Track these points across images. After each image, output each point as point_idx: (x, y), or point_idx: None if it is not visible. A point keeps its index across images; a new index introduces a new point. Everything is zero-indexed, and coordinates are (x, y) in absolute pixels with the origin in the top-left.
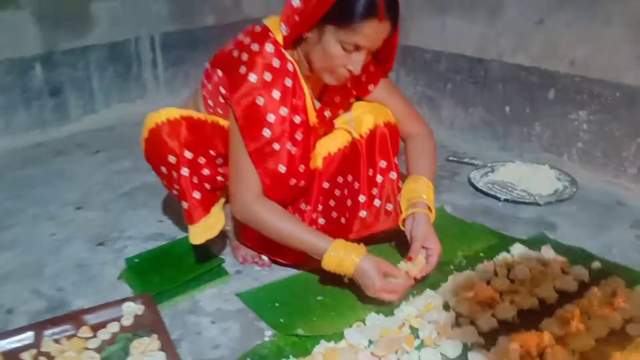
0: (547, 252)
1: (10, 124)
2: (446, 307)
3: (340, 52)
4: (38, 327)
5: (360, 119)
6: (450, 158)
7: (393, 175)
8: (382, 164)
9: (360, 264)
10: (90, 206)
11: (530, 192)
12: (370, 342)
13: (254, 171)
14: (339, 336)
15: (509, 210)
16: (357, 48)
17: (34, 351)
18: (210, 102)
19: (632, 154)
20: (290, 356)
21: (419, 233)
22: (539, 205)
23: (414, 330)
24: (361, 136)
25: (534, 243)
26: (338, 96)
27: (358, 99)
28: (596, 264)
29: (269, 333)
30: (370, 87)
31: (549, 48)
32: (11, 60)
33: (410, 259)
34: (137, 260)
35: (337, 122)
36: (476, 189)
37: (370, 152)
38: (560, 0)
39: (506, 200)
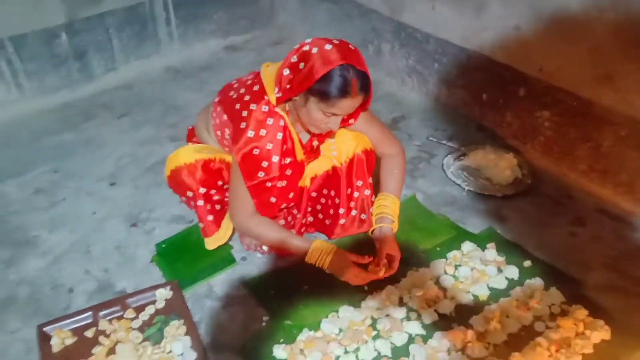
0: (490, 253)
1: (42, 86)
2: (401, 301)
3: (321, 117)
4: (95, 309)
5: (341, 147)
6: (430, 138)
7: (367, 192)
8: (359, 183)
9: (331, 261)
10: (122, 182)
11: (493, 181)
12: (341, 330)
13: (249, 197)
14: (318, 325)
15: (470, 201)
16: (335, 114)
17: (93, 329)
18: (218, 133)
19: (583, 154)
20: (281, 340)
21: (384, 244)
22: (497, 196)
23: (374, 322)
24: (341, 164)
25: (483, 239)
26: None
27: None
28: (527, 263)
29: (266, 319)
30: (351, 121)
31: (522, 52)
32: (38, 31)
33: (377, 264)
34: (164, 245)
35: (322, 148)
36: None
37: (348, 175)
38: (535, 13)
39: (469, 190)
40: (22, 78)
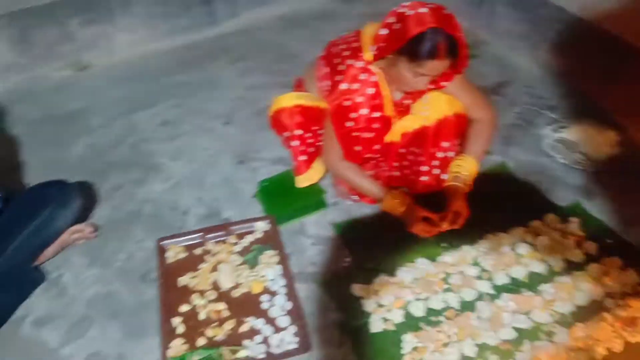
0: (572, 226)
1: (173, 27)
2: (475, 262)
3: (410, 76)
4: (204, 231)
5: (433, 108)
6: (532, 106)
7: (451, 153)
8: (445, 144)
9: (404, 211)
10: (234, 122)
11: (589, 156)
12: (415, 279)
13: (338, 144)
14: (394, 271)
15: (562, 173)
16: (423, 75)
17: (201, 248)
18: (319, 84)
19: None
20: (360, 280)
21: (454, 201)
22: (590, 172)
23: (447, 276)
24: (430, 125)
25: (567, 212)
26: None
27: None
28: (609, 241)
29: (348, 259)
30: (444, 83)
31: (637, 25)
32: None
33: (443, 219)
34: (266, 183)
35: (415, 108)
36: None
37: (436, 135)
38: None
39: (563, 163)
40: (157, 19)
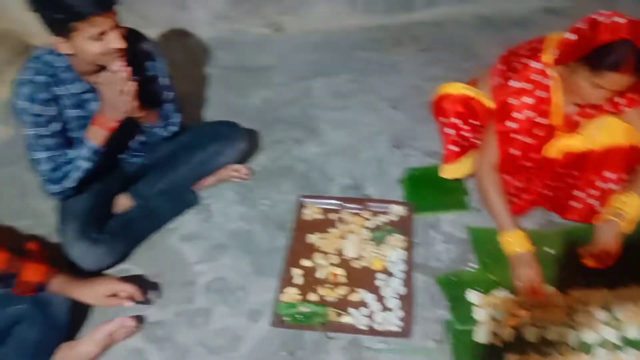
0: None
1: (370, 7)
2: (608, 307)
3: (586, 86)
4: (343, 200)
5: (605, 132)
6: None
7: (613, 186)
8: (609, 175)
9: (518, 254)
10: (401, 107)
11: None
12: (537, 304)
13: (496, 147)
14: (513, 289)
15: None
16: (601, 87)
17: (337, 215)
18: (490, 81)
19: None
20: (477, 288)
21: (603, 238)
22: None
23: (572, 312)
24: (597, 149)
25: None
26: (592, 109)
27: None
28: None
29: (473, 265)
30: (624, 108)
31: None
32: None
33: (591, 255)
34: (415, 172)
35: (586, 128)
36: None
37: (600, 162)
38: None
39: None
40: None
